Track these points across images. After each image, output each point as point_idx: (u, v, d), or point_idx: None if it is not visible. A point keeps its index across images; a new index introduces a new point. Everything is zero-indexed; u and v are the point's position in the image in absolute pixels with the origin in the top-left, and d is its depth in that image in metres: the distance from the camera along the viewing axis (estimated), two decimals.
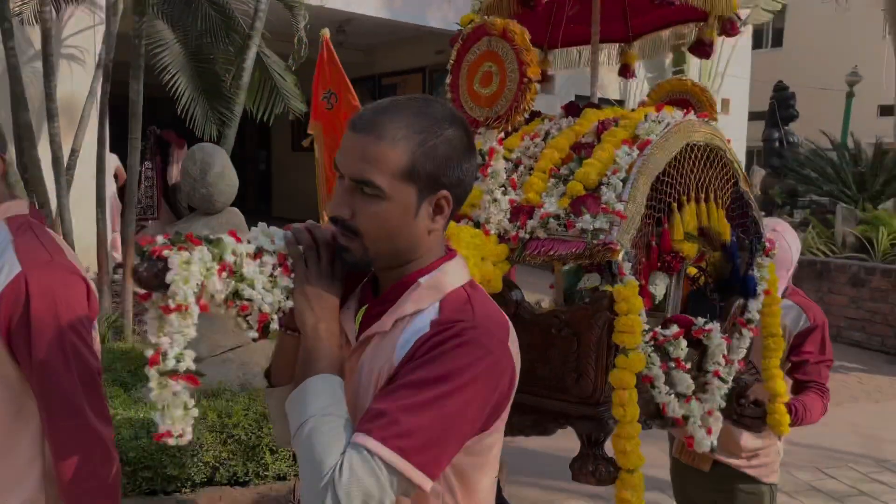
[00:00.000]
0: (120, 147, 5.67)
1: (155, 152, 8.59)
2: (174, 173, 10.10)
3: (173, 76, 4.90)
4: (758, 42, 17.89)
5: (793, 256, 2.21)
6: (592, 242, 1.52)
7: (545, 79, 2.40)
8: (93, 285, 1.44)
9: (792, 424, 2.04)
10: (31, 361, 1.30)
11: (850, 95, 14.61)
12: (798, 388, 2.22)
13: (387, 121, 1.06)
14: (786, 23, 19.94)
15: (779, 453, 2.29)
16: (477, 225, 1.65)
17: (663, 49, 2.34)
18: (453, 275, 1.12)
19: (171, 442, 1.06)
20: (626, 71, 2.39)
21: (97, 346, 1.45)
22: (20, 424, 1.36)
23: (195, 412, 1.07)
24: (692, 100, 2.20)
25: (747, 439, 2.19)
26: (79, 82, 6.32)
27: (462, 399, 1.01)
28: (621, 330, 1.50)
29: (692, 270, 2.08)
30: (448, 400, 1.00)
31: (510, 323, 1.12)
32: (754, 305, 1.96)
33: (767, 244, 1.99)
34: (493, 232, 1.62)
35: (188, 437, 1.06)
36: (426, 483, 1.00)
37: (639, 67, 2.21)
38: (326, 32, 3.94)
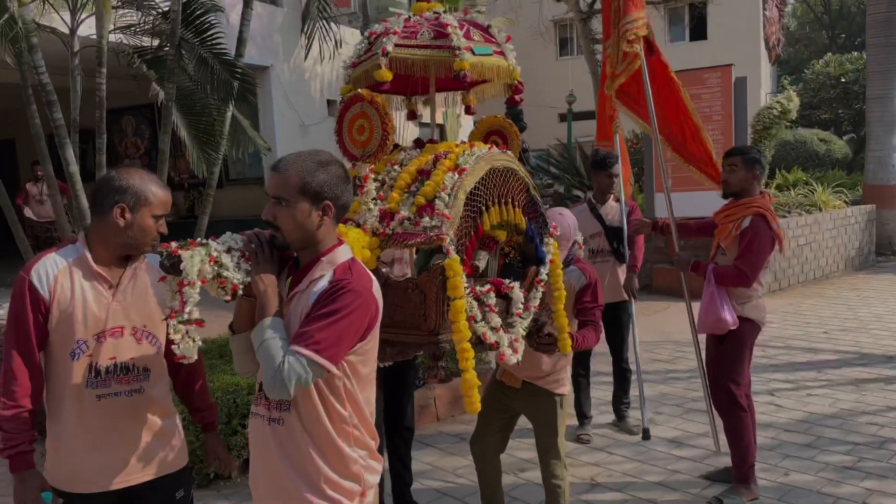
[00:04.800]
0: None
1: None
2: None
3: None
4: None
5: (572, 233, 3.25)
6: (430, 234, 2.44)
7: (413, 116, 3.33)
8: None
9: (574, 348, 3.07)
10: None
11: (570, 112, 20.62)
12: (581, 325, 3.27)
13: (290, 163, 1.92)
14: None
15: (567, 372, 3.33)
16: (358, 225, 2.54)
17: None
18: (341, 254, 1.98)
19: (185, 362, 1.89)
20: (468, 110, 3.35)
21: None
22: None
23: (201, 343, 1.90)
24: (504, 131, 3.19)
25: (545, 362, 3.21)
26: None
27: (347, 321, 1.85)
28: (450, 287, 2.44)
29: (507, 249, 3.07)
30: (340, 322, 1.83)
31: (375, 279, 2.01)
32: (544, 270, 2.97)
33: (552, 229, 3.01)
34: (368, 230, 2.52)
35: (195, 358, 1.90)
36: (332, 367, 1.85)
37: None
38: None
